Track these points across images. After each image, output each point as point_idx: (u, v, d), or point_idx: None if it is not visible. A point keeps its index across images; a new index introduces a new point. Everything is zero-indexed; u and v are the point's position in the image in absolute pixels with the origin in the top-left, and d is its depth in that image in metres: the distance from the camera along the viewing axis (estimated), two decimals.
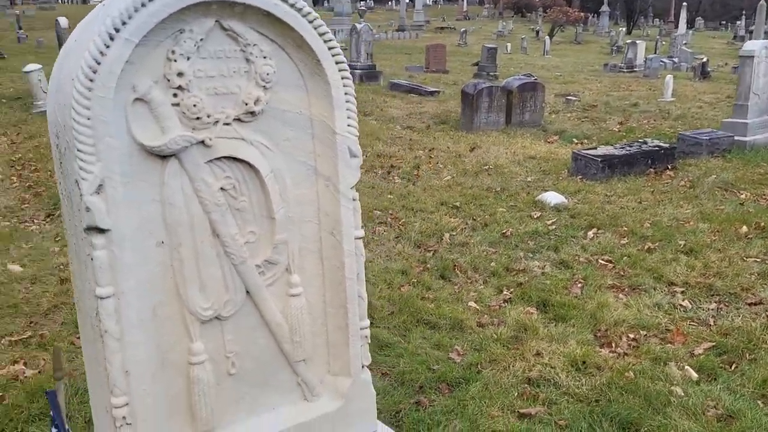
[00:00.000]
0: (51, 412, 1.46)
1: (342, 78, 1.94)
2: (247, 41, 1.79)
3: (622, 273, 4.71)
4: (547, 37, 31.42)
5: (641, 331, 3.84)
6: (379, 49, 27.15)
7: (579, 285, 4.46)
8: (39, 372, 3.44)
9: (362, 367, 2.16)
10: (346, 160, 1.99)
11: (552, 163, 8.11)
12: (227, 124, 1.80)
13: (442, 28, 39.80)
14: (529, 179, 7.37)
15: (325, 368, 2.14)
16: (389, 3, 66.20)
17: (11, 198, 6.88)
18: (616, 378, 3.30)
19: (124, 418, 1.72)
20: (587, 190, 6.81)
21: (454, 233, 5.56)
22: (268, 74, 1.83)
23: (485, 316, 4.05)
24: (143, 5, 1.59)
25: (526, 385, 3.29)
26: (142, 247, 1.71)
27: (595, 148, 8.09)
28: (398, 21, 38.72)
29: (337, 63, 1.92)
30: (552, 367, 3.43)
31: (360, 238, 2.08)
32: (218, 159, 1.80)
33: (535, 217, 5.97)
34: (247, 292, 1.92)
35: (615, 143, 8.60)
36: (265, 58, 1.83)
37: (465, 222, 5.87)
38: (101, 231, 1.62)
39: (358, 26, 15.55)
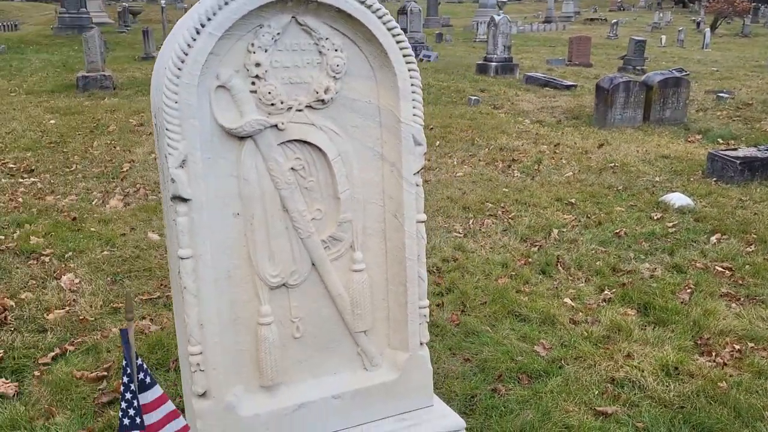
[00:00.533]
0: (123, 348, 1.72)
1: (409, 70, 2.07)
2: (320, 35, 1.97)
3: (740, 281, 4.44)
4: (708, 29, 29.23)
5: (749, 343, 3.63)
6: (522, 41, 26.69)
7: (688, 291, 4.27)
8: (161, 328, 3.88)
9: (420, 344, 2.28)
10: (410, 147, 2.11)
11: (686, 164, 7.67)
12: (299, 110, 2.00)
13: (592, 19, 38.28)
14: (656, 179, 7.04)
15: (385, 341, 2.29)
16: None
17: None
18: (707, 387, 3.17)
19: (198, 364, 1.97)
20: (719, 194, 6.40)
21: (564, 230, 5.48)
22: (338, 66, 2.00)
23: (580, 313, 4.00)
24: (226, 3, 1.81)
25: (608, 385, 3.24)
26: (220, 216, 1.95)
27: (736, 149, 7.55)
28: (545, 12, 37.70)
29: (404, 56, 2.05)
30: (640, 370, 3.35)
31: (422, 222, 2.19)
32: (290, 142, 2.00)
33: (655, 218, 5.72)
34: (313, 264, 2.11)
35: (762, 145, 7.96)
36: (336, 50, 2.00)
37: (578, 219, 5.75)
38: (183, 200, 1.86)
39: (496, 18, 15.41)
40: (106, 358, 3.53)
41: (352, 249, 2.15)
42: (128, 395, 1.66)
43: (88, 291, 4.29)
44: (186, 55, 1.79)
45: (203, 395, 1.99)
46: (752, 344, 3.62)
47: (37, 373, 3.35)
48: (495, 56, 15.53)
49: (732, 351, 3.55)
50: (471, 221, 5.68)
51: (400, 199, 2.14)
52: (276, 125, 1.96)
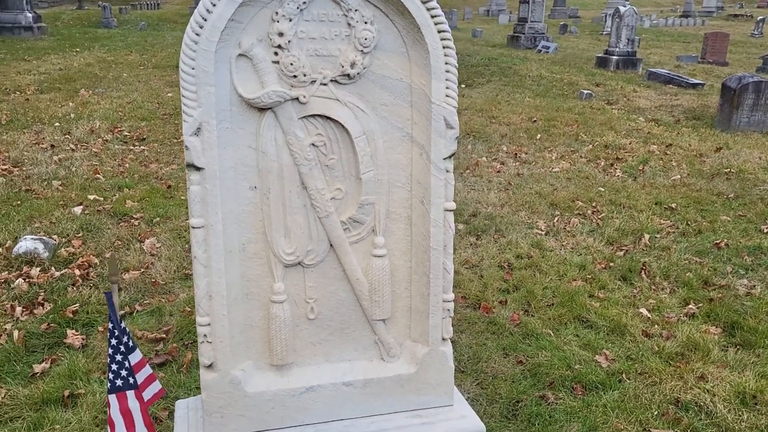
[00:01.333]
0: (108, 310, 1.74)
1: (444, 48, 1.93)
2: (349, 6, 1.88)
3: None
4: None
5: None
6: (654, 35, 25.25)
7: None
8: None
9: (442, 339, 2.15)
10: (440, 130, 1.98)
11: None
12: (324, 84, 1.92)
13: (735, 15, 35.54)
14: None
15: (406, 333, 2.18)
16: None
17: None
18: None
19: (205, 335, 1.96)
20: None
21: (658, 236, 5.08)
22: (366, 39, 1.90)
23: (656, 326, 3.69)
24: None
25: (671, 406, 2.96)
26: (235, 187, 1.92)
27: None
28: (683, 6, 35.43)
29: (439, 32, 1.92)
30: (712, 394, 3.04)
31: (450, 210, 2.06)
32: (312, 116, 1.93)
33: (766, 231, 5.18)
34: (331, 245, 2.04)
35: None
36: (366, 23, 1.90)
37: (675, 226, 5.32)
38: (197, 168, 1.85)
39: (621, 9, 14.58)
40: (167, 321, 3.65)
41: (374, 233, 2.06)
42: (119, 357, 1.68)
43: (165, 255, 4.46)
44: (205, 20, 1.76)
45: (209, 367, 1.98)
46: None
47: (101, 328, 3.52)
48: (617, 50, 14.74)
49: None
50: (556, 219, 5.41)
51: (428, 184, 2.02)
52: (297, 98, 1.90)
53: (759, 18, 28.42)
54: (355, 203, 2.02)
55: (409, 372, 2.15)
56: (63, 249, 4.43)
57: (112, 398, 1.70)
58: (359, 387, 2.12)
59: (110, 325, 1.70)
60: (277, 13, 1.84)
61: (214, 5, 1.76)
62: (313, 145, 1.95)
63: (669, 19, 32.68)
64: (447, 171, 2.03)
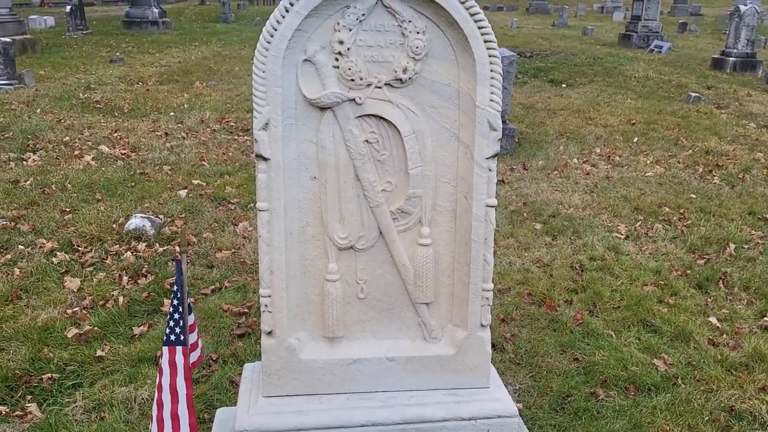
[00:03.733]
0: (176, 276, 2.03)
1: (489, 56, 2.09)
2: (403, 18, 2.09)
3: None
4: None
5: None
6: None
7: None
8: None
9: (481, 325, 2.32)
10: (484, 132, 2.15)
11: None
12: (378, 87, 2.13)
13: None
14: None
15: (448, 317, 2.37)
16: None
17: None
18: None
19: (266, 305, 2.23)
20: None
21: (746, 246, 4.94)
22: (418, 47, 2.10)
23: (724, 336, 3.65)
24: None
25: (724, 413, 2.96)
26: (297, 176, 2.18)
27: None
28: None
29: (485, 42, 2.08)
30: None
31: (492, 206, 2.22)
32: (367, 116, 2.16)
33: None
34: (380, 232, 2.26)
35: None
36: (418, 33, 2.10)
37: (767, 237, 5.13)
38: (264, 159, 2.11)
39: (742, 8, 13.81)
40: (251, 297, 4.01)
41: (420, 224, 2.26)
42: (176, 315, 1.97)
43: (255, 238, 4.85)
44: (275, 30, 2.02)
45: (269, 334, 2.25)
46: None
47: (192, 300, 3.92)
48: (735, 51, 14.00)
49: None
50: (639, 224, 5.35)
51: (471, 181, 2.19)
52: (354, 99, 2.12)
53: None
54: (403, 195, 2.23)
55: (448, 353, 2.34)
56: (167, 227, 4.92)
57: (165, 349, 2.01)
58: (402, 363, 2.33)
59: (175, 288, 2.00)
60: (338, 23, 2.07)
61: (284, 17, 2.02)
62: (366, 141, 2.18)
63: None
64: (489, 170, 2.19)
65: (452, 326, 2.37)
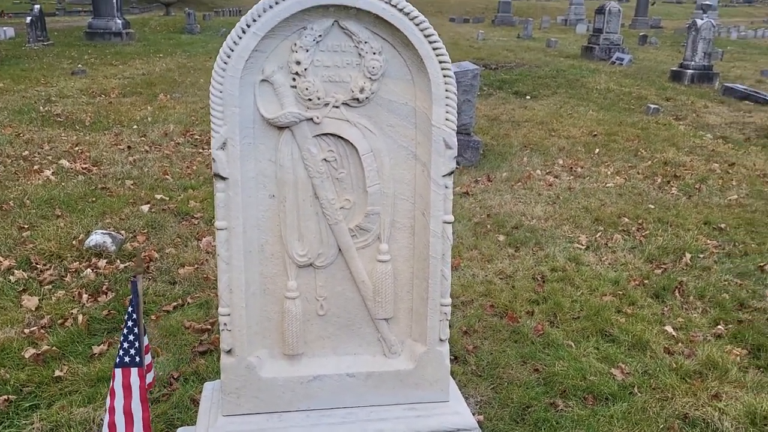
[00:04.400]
0: (132, 296, 2.02)
1: (444, 77, 2.14)
2: (360, 38, 2.12)
3: None
4: None
5: None
6: (740, 48, 24.33)
7: None
8: None
9: (439, 340, 2.35)
10: (440, 150, 2.19)
11: None
12: (336, 106, 2.16)
13: None
14: None
15: (407, 332, 2.39)
16: None
17: None
18: None
19: (225, 324, 2.23)
20: None
21: (701, 256, 5.07)
22: (374, 68, 2.14)
23: (679, 344, 3.74)
24: (270, 7, 2.03)
25: (678, 421, 3.04)
26: (256, 195, 2.19)
27: None
28: None
29: (440, 62, 2.13)
30: (723, 413, 3.09)
31: (449, 222, 2.26)
32: (325, 135, 2.18)
33: None
34: (340, 249, 2.28)
35: None
36: (374, 53, 2.13)
37: (722, 247, 5.28)
38: (222, 178, 2.12)
39: (699, 21, 14.22)
40: (214, 314, 3.98)
41: (379, 240, 2.28)
42: (131, 337, 1.96)
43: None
44: (232, 51, 2.03)
45: (229, 352, 2.25)
46: None
47: (153, 317, 3.89)
48: (692, 63, 14.39)
49: None
50: (599, 234, 5.47)
51: (428, 198, 2.23)
52: (312, 119, 2.15)
53: None
54: (362, 213, 2.26)
55: (408, 368, 2.36)
56: (129, 243, 4.87)
57: (118, 372, 2.00)
58: (362, 379, 2.34)
59: (130, 309, 1.99)
60: (295, 44, 2.10)
61: (240, 38, 2.04)
62: (325, 160, 2.20)
63: (759, 30, 31.32)
64: (446, 187, 2.23)
65: (411, 341, 2.39)
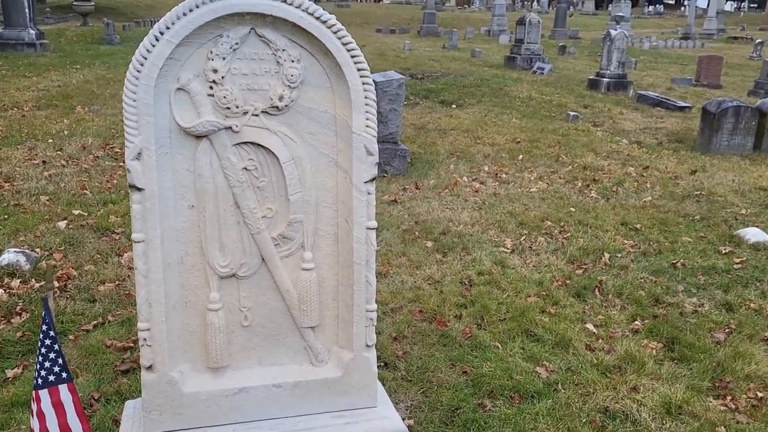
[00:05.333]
0: (44, 313, 1.95)
1: (363, 84, 2.16)
2: (277, 46, 2.12)
3: None
4: None
5: None
6: (653, 57, 25.53)
7: (727, 331, 4.01)
8: None
9: (366, 346, 2.36)
10: (361, 157, 2.20)
11: None
12: (255, 115, 2.15)
13: (735, 38, 35.84)
14: (742, 212, 6.59)
15: (334, 340, 2.39)
16: (682, 8, 61.30)
17: None
18: (703, 429, 3.00)
19: (145, 339, 2.17)
20: None
21: (619, 255, 5.28)
22: (293, 76, 2.14)
23: (600, 340, 3.88)
24: (184, 14, 2.00)
25: (599, 415, 3.15)
26: (174, 206, 2.14)
27: None
28: (684, 28, 35.76)
29: (359, 70, 2.15)
30: (642, 405, 3.23)
31: (372, 228, 2.28)
32: (245, 143, 2.16)
33: (723, 252, 5.38)
34: (263, 259, 2.26)
35: None
36: (293, 61, 2.13)
37: (638, 246, 5.52)
38: (138, 189, 2.07)
39: (612, 32, 14.86)
40: (137, 331, 3.85)
41: (303, 248, 2.28)
42: (52, 355, 1.88)
43: None
44: (145, 59, 2.00)
45: (149, 368, 2.19)
46: None
47: (72, 337, 3.73)
48: (608, 72, 15.00)
49: (752, 398, 3.32)
50: (523, 237, 5.61)
51: (351, 205, 2.24)
52: (230, 127, 2.12)
53: (758, 41, 28.66)
54: (284, 221, 2.24)
55: (335, 376, 2.36)
56: (44, 262, 4.66)
57: (43, 393, 1.91)
58: (288, 389, 2.32)
59: (44, 327, 1.91)
60: (212, 52, 2.07)
61: (154, 45, 2.00)
62: (245, 168, 2.18)
63: (669, 40, 32.97)
64: (368, 193, 2.25)
65: (338, 348, 2.39)
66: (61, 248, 4.93)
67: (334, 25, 2.10)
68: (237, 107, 2.12)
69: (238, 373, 2.32)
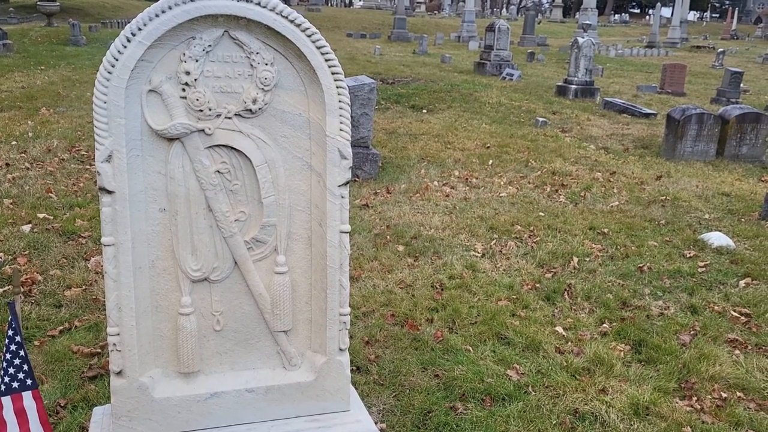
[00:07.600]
0: (10, 318, 1.91)
1: (337, 87, 2.16)
2: (251, 49, 2.11)
3: (754, 329, 4.22)
4: None
5: (738, 393, 3.46)
6: (618, 65, 25.98)
7: (692, 333, 4.10)
8: None
9: (339, 349, 2.35)
10: (335, 160, 2.20)
11: (745, 203, 7.29)
12: (228, 117, 2.13)
13: (698, 47, 36.67)
14: (706, 216, 6.74)
15: (307, 343, 2.38)
16: (647, 17, 62.51)
17: None
18: (670, 429, 3.06)
19: (114, 344, 2.14)
20: (767, 237, 6.06)
21: (588, 259, 5.36)
22: (266, 79, 2.13)
23: (569, 343, 3.93)
24: (157, 15, 1.98)
25: (569, 416, 3.19)
26: (145, 209, 2.12)
27: None
28: (649, 37, 36.49)
29: (333, 74, 2.15)
30: (610, 406, 3.28)
31: (346, 232, 2.28)
32: (217, 146, 2.14)
33: (688, 256, 5.50)
34: (236, 262, 2.24)
35: None
36: (266, 64, 2.13)
37: (605, 250, 5.61)
38: (108, 192, 2.04)
39: (580, 40, 15.11)
40: (104, 336, 3.79)
41: (276, 252, 2.27)
42: (17, 361, 1.84)
43: None
44: (116, 60, 1.97)
45: (119, 374, 2.15)
46: (741, 394, 3.45)
47: (37, 343, 3.66)
48: (576, 79, 15.23)
49: (716, 398, 3.40)
50: (494, 242, 5.66)
51: (325, 208, 2.24)
52: (203, 130, 2.11)
53: (720, 50, 29.37)
54: (257, 225, 2.23)
55: (308, 380, 2.35)
56: (8, 266, 4.55)
57: (6, 400, 1.87)
58: (261, 393, 2.31)
59: (10, 332, 1.87)
60: (184, 54, 2.06)
61: (125, 47, 1.97)
62: (218, 171, 2.16)
63: (634, 49, 33.59)
64: (342, 197, 2.25)
65: (311, 352, 2.38)
66: (26, 252, 4.82)
67: (308, 28, 2.10)
68: (210, 110, 2.11)
69: (210, 378, 2.29)
